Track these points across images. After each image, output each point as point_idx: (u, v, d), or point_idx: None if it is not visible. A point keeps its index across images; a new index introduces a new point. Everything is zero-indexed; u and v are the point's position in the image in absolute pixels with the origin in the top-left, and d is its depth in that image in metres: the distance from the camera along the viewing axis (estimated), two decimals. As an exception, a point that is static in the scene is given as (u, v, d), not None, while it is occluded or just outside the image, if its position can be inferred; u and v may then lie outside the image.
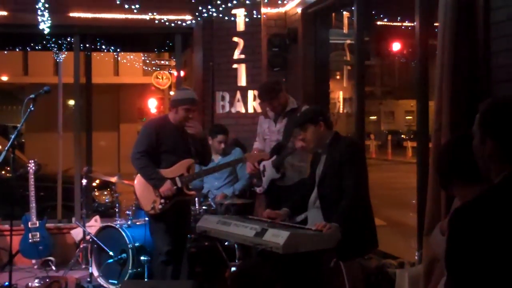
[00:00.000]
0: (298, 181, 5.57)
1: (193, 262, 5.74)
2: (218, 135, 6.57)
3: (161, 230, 5.40)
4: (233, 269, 5.18)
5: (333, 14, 7.46)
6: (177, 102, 5.38)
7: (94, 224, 7.11)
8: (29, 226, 7.03)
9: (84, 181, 6.96)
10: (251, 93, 7.33)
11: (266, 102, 5.76)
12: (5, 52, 15.04)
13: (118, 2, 7.34)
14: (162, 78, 20.14)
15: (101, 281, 6.28)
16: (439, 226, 2.95)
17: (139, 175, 5.45)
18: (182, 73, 9.05)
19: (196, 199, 6.15)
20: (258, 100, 7.04)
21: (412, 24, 5.09)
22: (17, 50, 14.95)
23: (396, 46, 18.25)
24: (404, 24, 9.68)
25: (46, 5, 7.24)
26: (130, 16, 7.58)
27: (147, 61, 21.02)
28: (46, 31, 7.49)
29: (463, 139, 2.61)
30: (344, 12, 7.81)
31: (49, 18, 7.33)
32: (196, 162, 5.70)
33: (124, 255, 6.11)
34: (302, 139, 4.50)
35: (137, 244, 6.05)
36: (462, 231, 1.86)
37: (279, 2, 7.33)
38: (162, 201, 5.29)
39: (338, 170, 4.22)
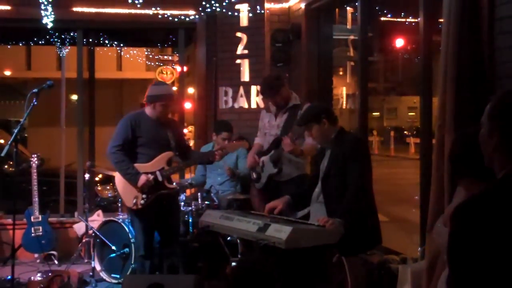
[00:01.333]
0: (296, 176, 5.57)
1: (195, 257, 5.75)
2: (222, 132, 6.56)
3: (142, 226, 5.43)
4: (233, 264, 5.19)
5: (337, 10, 7.45)
6: (154, 98, 5.37)
7: (97, 218, 7.12)
8: (32, 220, 7.04)
9: (86, 176, 6.97)
10: (254, 89, 7.32)
11: (269, 98, 5.74)
12: (8, 46, 15.03)
13: (121, -3, 7.34)
14: (167, 73, 20.15)
15: (103, 275, 6.29)
16: (442, 218, 2.95)
17: None
18: (185, 68, 9.05)
19: (199, 194, 6.15)
20: (261, 96, 7.04)
21: (416, 20, 5.09)
22: (20, 44, 14.91)
23: (399, 42, 18.25)
24: (407, 20, 9.68)
25: (49, 0, 7.23)
26: (133, 11, 7.57)
27: (150, 56, 21.03)
28: (49, 25, 7.48)
29: (478, 133, 2.58)
30: (348, 8, 7.79)
31: (52, 13, 7.32)
32: (176, 155, 5.62)
33: (126, 249, 6.12)
34: (308, 136, 4.53)
35: (139, 239, 6.05)
36: (464, 226, 1.86)
37: (283, -3, 7.32)
38: (144, 196, 5.28)
39: (342, 165, 4.22)
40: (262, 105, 7.07)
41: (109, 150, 5.35)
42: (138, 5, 7.45)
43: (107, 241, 6.26)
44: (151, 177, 5.28)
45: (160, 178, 5.33)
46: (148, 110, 5.44)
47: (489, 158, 2.04)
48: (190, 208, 5.94)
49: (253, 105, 7.31)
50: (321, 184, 4.39)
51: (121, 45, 12.32)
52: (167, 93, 5.41)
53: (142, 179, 5.24)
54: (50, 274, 5.94)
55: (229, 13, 7.40)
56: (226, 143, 6.51)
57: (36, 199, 7.08)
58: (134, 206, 5.32)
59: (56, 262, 7.02)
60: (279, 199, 4.56)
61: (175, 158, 5.60)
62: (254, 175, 5.82)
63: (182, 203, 5.98)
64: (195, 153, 6.00)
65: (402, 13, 9.43)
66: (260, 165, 5.73)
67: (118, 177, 5.43)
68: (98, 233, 6.36)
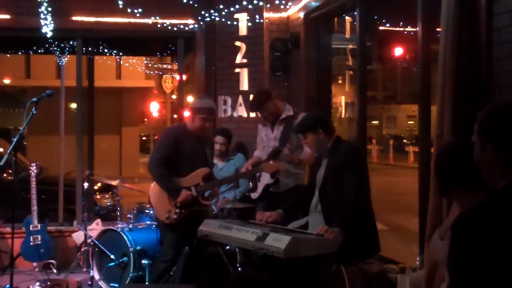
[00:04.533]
0: (292, 187, 5.57)
1: (194, 266, 5.74)
2: (217, 136, 6.59)
3: (172, 239, 5.41)
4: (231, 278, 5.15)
5: (336, 19, 7.46)
6: (195, 110, 5.37)
7: (96, 227, 7.11)
8: (31, 229, 7.03)
9: (85, 184, 6.96)
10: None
11: (260, 110, 5.76)
12: (8, 55, 15.09)
13: (120, 6, 7.36)
14: (169, 82, 20.29)
15: (102, 284, 6.28)
16: (438, 231, 2.95)
17: (154, 183, 5.44)
18: (184, 77, 9.06)
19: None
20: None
21: (414, 29, 5.10)
22: (20, 53, 14.98)
23: (398, 51, 18.25)
24: (406, 29, 9.68)
25: (49, 9, 7.26)
26: (132, 20, 7.59)
27: (150, 65, 21.09)
28: (49, 34, 7.51)
29: (464, 144, 2.59)
30: (346, 17, 7.81)
31: (51, 22, 7.34)
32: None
33: (125, 258, 6.11)
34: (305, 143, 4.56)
35: (138, 248, 6.05)
36: (466, 236, 1.86)
37: (282, 7, 7.34)
38: (177, 210, 5.28)
39: (339, 174, 4.23)
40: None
41: (152, 162, 5.36)
42: (138, 14, 7.48)
43: (106, 250, 6.25)
44: (191, 193, 5.27)
45: (195, 194, 5.32)
46: (189, 123, 5.44)
47: (487, 173, 2.05)
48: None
49: (252, 114, 7.32)
50: (319, 193, 4.39)
51: (121, 54, 12.36)
52: (207, 107, 5.39)
53: (183, 194, 5.24)
54: (48, 283, 5.94)
55: (228, 22, 7.43)
56: (218, 148, 6.53)
57: (35, 207, 7.07)
58: (167, 220, 5.32)
59: (54, 271, 7.01)
60: (273, 212, 4.57)
61: None
62: (251, 185, 5.83)
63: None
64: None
65: (401, 22, 9.44)
66: (257, 175, 5.74)
67: (153, 189, 5.45)
68: (97, 242, 6.35)
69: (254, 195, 5.83)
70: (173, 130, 5.65)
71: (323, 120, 4.54)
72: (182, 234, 5.38)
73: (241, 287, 4.18)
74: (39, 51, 9.89)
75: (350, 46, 8.76)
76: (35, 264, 7.13)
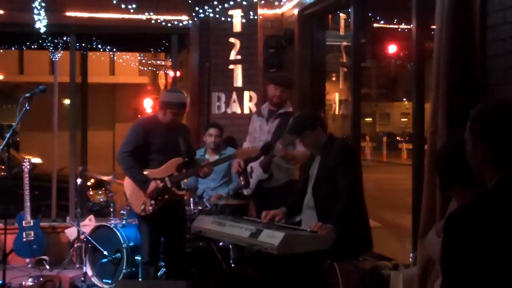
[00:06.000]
0: (285, 183, 5.56)
1: (187, 262, 5.74)
2: (210, 129, 6.57)
3: (148, 232, 5.36)
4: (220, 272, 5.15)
5: (330, 16, 7.47)
6: (166, 104, 5.32)
7: (89, 223, 7.10)
8: (23, 225, 7.01)
9: (79, 180, 6.94)
10: (247, 94, 7.34)
11: (280, 86, 5.66)
12: (1, 51, 15.02)
13: (114, 2, 7.32)
14: (164, 78, 20.25)
15: (95, 280, 6.27)
16: (434, 227, 2.95)
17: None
18: (178, 73, 9.05)
19: (191, 199, 6.13)
20: (254, 101, 7.08)
21: (409, 26, 5.11)
22: (13, 49, 14.94)
23: (392, 48, 18.26)
24: (400, 26, 9.70)
25: (43, 4, 7.22)
26: (126, 16, 7.57)
27: (143, 61, 21.04)
28: (42, 30, 7.47)
29: (464, 141, 2.59)
30: (341, 14, 7.82)
31: (45, 17, 7.31)
32: (185, 161, 5.57)
33: (118, 254, 6.11)
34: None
35: (131, 244, 6.04)
36: (457, 234, 1.86)
37: (276, 3, 7.34)
38: (152, 202, 5.23)
39: (332, 172, 4.24)
40: (254, 110, 7.08)
41: (119, 155, 5.30)
42: (132, 10, 7.45)
43: (98, 246, 6.24)
44: (160, 184, 5.23)
45: (169, 185, 5.28)
46: (160, 115, 5.39)
47: (478, 171, 2.05)
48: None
49: (246, 111, 7.32)
50: (312, 190, 4.40)
51: (114, 50, 12.30)
52: (178, 101, 5.32)
53: (152, 186, 5.19)
54: (41, 279, 5.92)
55: (222, 18, 7.42)
56: (212, 140, 6.50)
57: (28, 203, 7.05)
58: (142, 213, 5.26)
59: (47, 267, 6.99)
60: (277, 209, 4.55)
61: None
62: (242, 182, 5.81)
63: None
64: (195, 162, 5.93)
65: (395, 20, 9.46)
66: (248, 171, 5.72)
67: (126, 182, 5.40)
68: (90, 238, 6.34)
69: (247, 192, 5.81)
70: (142, 122, 5.58)
71: (318, 115, 4.55)
72: (157, 225, 5.36)
73: (228, 284, 4.19)
74: (33, 46, 9.86)
75: (344, 43, 8.78)
76: (27, 260, 7.11)
